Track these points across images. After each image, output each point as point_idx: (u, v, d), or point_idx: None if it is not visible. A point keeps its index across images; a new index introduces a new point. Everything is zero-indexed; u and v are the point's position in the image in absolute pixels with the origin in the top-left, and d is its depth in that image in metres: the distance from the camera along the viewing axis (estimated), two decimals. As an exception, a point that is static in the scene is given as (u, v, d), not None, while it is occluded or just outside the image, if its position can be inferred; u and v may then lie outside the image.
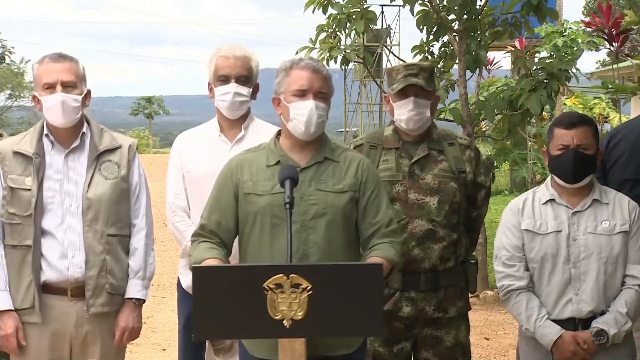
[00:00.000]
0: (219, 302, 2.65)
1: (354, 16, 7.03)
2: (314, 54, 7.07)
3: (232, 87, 3.70)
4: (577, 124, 3.35)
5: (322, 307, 2.64)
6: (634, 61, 8.09)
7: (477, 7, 7.04)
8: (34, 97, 3.46)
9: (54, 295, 3.36)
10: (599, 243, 3.34)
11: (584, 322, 3.35)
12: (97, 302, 3.37)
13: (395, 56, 9.27)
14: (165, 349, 6.65)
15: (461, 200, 3.65)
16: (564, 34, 13.12)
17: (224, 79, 3.72)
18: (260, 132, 3.74)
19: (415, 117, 3.58)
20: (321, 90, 3.06)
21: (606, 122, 19.05)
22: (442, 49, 7.47)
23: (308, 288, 2.63)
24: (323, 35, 7.21)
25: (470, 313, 3.79)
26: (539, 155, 12.84)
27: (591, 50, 13.44)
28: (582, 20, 10.23)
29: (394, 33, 26.12)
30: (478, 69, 7.53)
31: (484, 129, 9.16)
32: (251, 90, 3.76)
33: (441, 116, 7.55)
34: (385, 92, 3.81)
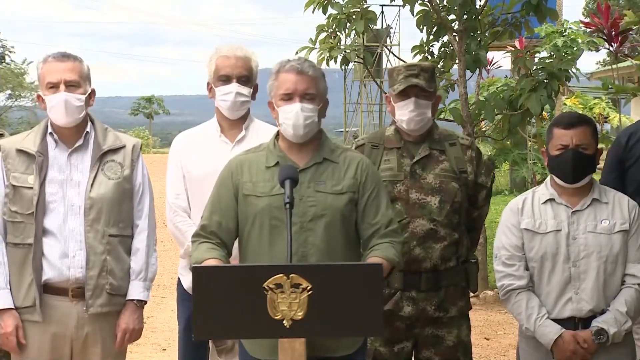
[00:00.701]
0: (219, 302, 2.65)
1: (354, 16, 7.02)
2: (314, 54, 7.07)
3: (234, 87, 3.70)
4: (577, 124, 3.36)
5: (322, 307, 2.64)
6: (634, 61, 8.09)
7: (477, 7, 7.04)
8: (39, 96, 3.46)
9: (55, 296, 3.37)
10: (599, 242, 3.34)
11: (584, 321, 3.35)
12: (97, 302, 3.38)
13: (395, 56, 9.28)
14: (165, 349, 6.65)
15: (462, 200, 3.65)
16: (564, 34, 13.11)
17: (225, 79, 3.71)
18: (260, 132, 3.74)
19: (416, 117, 3.59)
20: (307, 91, 3.06)
21: (606, 122, 19.07)
22: (442, 49, 7.47)
23: (308, 288, 2.63)
24: (323, 35, 7.21)
25: (470, 313, 3.79)
26: (539, 155, 12.83)
27: (591, 50, 13.44)
28: (581, 21, 10.23)
29: (394, 33, 26.13)
30: (478, 69, 7.53)
31: (484, 129, 9.15)
32: (251, 90, 3.77)
33: (441, 116, 7.54)
34: (386, 93, 3.82)
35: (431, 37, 7.21)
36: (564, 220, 3.38)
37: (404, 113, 3.59)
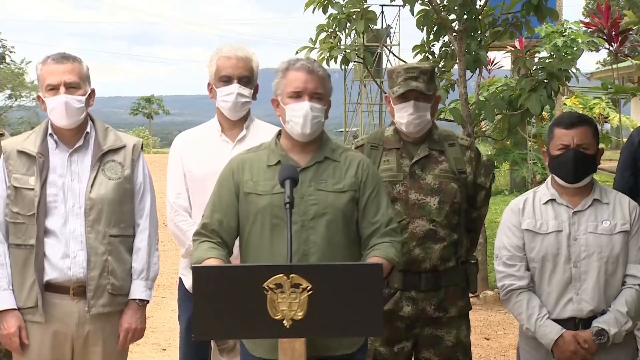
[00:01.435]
0: (219, 302, 2.65)
1: (354, 16, 7.02)
2: (314, 54, 7.07)
3: (235, 87, 3.70)
4: (577, 123, 3.36)
5: (322, 307, 2.64)
6: (634, 61, 8.09)
7: (477, 7, 7.04)
8: (39, 97, 3.46)
9: (57, 294, 3.37)
10: (600, 243, 3.34)
11: (585, 322, 3.35)
12: (99, 302, 3.38)
13: (395, 56, 9.27)
14: (165, 349, 6.65)
15: (462, 200, 3.65)
16: (564, 34, 13.11)
17: (226, 80, 3.71)
18: (261, 132, 3.74)
19: (415, 120, 3.59)
20: (316, 91, 3.06)
21: (606, 122, 19.08)
22: (443, 48, 7.47)
23: (308, 288, 2.63)
24: (323, 35, 7.21)
25: (470, 313, 3.79)
26: (539, 155, 12.84)
27: (591, 50, 13.44)
28: (581, 21, 10.23)
29: (394, 33, 26.13)
30: (478, 69, 7.52)
31: (484, 129, 9.15)
32: (252, 91, 3.77)
33: (441, 116, 7.54)
34: (386, 93, 3.81)
35: (431, 37, 7.21)
36: (564, 221, 3.38)
37: (403, 116, 3.59)
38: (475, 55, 6.97)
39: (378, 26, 18.91)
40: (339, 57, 7.11)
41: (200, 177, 3.70)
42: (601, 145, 3.52)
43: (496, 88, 8.57)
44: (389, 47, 20.25)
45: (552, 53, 11.81)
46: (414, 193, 3.60)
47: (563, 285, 3.36)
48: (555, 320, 3.36)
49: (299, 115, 3.03)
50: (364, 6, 7.07)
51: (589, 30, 6.98)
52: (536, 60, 7.97)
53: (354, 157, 3.17)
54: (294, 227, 2.85)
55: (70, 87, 3.37)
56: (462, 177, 3.65)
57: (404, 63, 4.37)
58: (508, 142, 11.78)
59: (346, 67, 7.71)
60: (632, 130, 4.34)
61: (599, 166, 3.44)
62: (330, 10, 7.09)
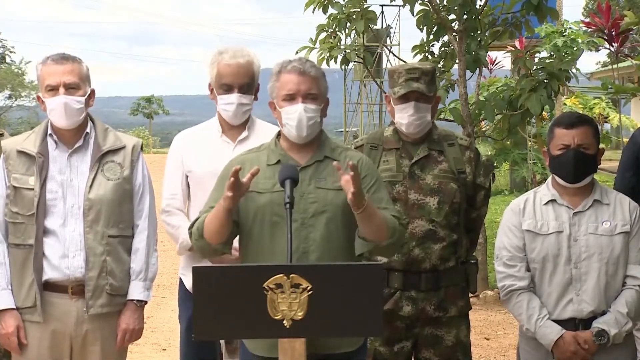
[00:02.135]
0: (219, 302, 2.64)
1: (354, 16, 7.02)
2: (314, 54, 7.07)
3: (235, 97, 3.68)
4: (578, 123, 3.36)
5: (322, 307, 2.64)
6: (634, 61, 8.09)
7: (477, 7, 7.04)
8: (38, 97, 3.46)
9: (55, 293, 3.37)
10: (600, 243, 3.34)
11: (585, 323, 3.35)
12: (97, 303, 3.38)
13: (395, 56, 9.27)
14: (165, 349, 6.65)
15: (461, 200, 3.65)
16: (564, 34, 13.12)
17: (227, 89, 3.69)
18: (262, 132, 3.73)
19: (416, 121, 3.58)
20: (310, 91, 3.06)
21: (606, 122, 19.08)
22: (443, 48, 7.47)
23: (308, 288, 2.63)
24: (323, 35, 7.21)
25: (470, 313, 3.79)
26: (539, 155, 12.84)
27: (591, 50, 13.44)
28: (582, 21, 10.23)
29: (394, 33, 26.11)
30: (478, 69, 7.52)
31: (484, 129, 9.15)
32: (253, 96, 3.75)
33: (441, 116, 7.54)
34: (386, 92, 3.81)
35: (431, 37, 7.21)
36: (565, 222, 3.38)
37: (404, 117, 3.59)
38: (475, 55, 6.97)
39: (378, 26, 18.91)
40: (339, 57, 7.12)
41: (201, 178, 3.70)
42: (601, 145, 3.52)
43: (496, 88, 8.58)
44: (389, 47, 20.24)
45: (552, 53, 11.81)
46: (413, 193, 3.60)
47: (563, 286, 3.36)
48: (556, 321, 3.35)
49: (293, 118, 3.03)
50: (364, 6, 7.07)
51: (589, 30, 6.98)
52: (536, 60, 7.97)
53: (353, 156, 3.16)
54: (294, 225, 2.85)
55: (70, 88, 3.37)
56: (462, 177, 3.65)
57: (404, 63, 4.36)
58: (508, 142, 11.77)
59: (346, 67, 7.71)
60: (632, 130, 4.34)
61: (599, 166, 3.44)
62: (330, 10, 7.10)
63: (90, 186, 3.40)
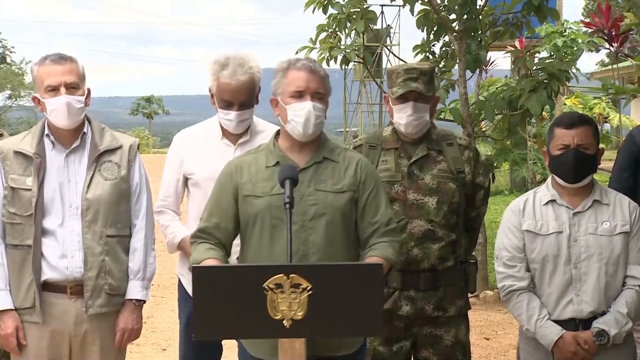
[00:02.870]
0: (219, 302, 2.64)
1: (354, 16, 7.02)
2: (314, 54, 7.07)
3: (235, 115, 3.67)
4: (578, 123, 3.35)
5: (322, 307, 2.64)
6: (634, 61, 8.10)
7: (478, 7, 7.04)
8: (35, 98, 3.45)
9: (54, 293, 3.37)
10: (600, 244, 3.34)
11: (585, 323, 3.35)
12: (96, 303, 3.38)
13: (395, 56, 9.27)
14: (165, 349, 6.64)
15: (460, 200, 3.65)
16: (564, 34, 13.12)
17: (227, 104, 3.68)
18: (263, 134, 3.74)
19: (415, 121, 3.58)
20: (318, 90, 3.06)
21: (606, 122, 19.07)
22: (443, 48, 7.47)
23: (308, 288, 2.63)
24: (323, 35, 7.21)
25: (470, 313, 3.79)
26: (539, 155, 12.84)
27: (591, 50, 13.45)
28: (582, 21, 10.24)
29: (394, 33, 26.12)
30: (478, 69, 7.52)
31: (484, 129, 9.15)
32: (253, 108, 3.74)
33: (441, 116, 7.54)
34: (385, 93, 3.81)
35: (431, 37, 7.21)
36: (565, 222, 3.38)
37: (402, 117, 3.59)
38: (475, 55, 6.97)
39: (378, 26, 18.90)
40: (339, 57, 7.11)
41: (201, 181, 3.71)
42: (601, 145, 3.51)
43: (496, 88, 8.57)
44: (389, 47, 20.26)
45: (552, 53, 11.82)
46: (412, 193, 3.60)
47: (563, 286, 3.36)
48: (556, 321, 3.35)
49: (301, 115, 3.02)
50: (364, 6, 7.07)
51: (589, 30, 6.98)
52: (536, 60, 7.96)
53: (352, 157, 3.16)
54: (294, 228, 2.84)
55: (71, 88, 3.36)
56: (461, 176, 3.65)
57: (404, 63, 4.36)
58: (508, 142, 11.77)
59: (346, 67, 7.70)
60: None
61: (599, 166, 3.44)
62: (330, 10, 7.09)
63: (88, 186, 3.39)
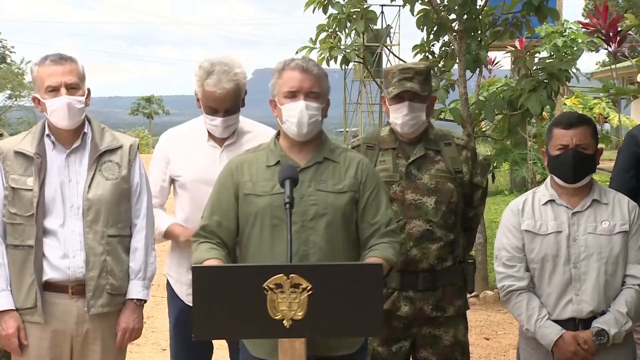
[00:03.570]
0: (219, 302, 2.64)
1: (354, 16, 7.03)
2: (314, 54, 7.07)
3: (221, 121, 3.65)
4: (576, 123, 3.36)
5: (322, 307, 2.64)
6: (634, 61, 8.10)
7: (478, 7, 7.04)
8: (35, 98, 3.45)
9: (55, 293, 3.37)
10: (599, 243, 3.34)
11: (585, 322, 3.35)
12: (98, 302, 3.38)
13: (396, 56, 9.27)
14: (165, 349, 6.64)
15: (458, 200, 3.65)
16: (564, 34, 13.12)
17: (212, 111, 3.66)
18: (247, 133, 3.74)
19: (410, 121, 3.59)
20: (312, 89, 3.06)
21: (606, 122, 19.06)
22: (443, 48, 7.48)
23: (308, 288, 2.63)
24: (323, 35, 7.21)
25: (470, 313, 3.79)
26: (539, 155, 12.84)
27: (591, 50, 13.45)
28: (580, 22, 10.24)
29: (394, 33, 26.12)
30: (478, 69, 7.52)
31: (484, 129, 9.15)
32: (239, 113, 3.72)
33: (441, 116, 7.55)
34: (383, 93, 3.82)
35: (431, 37, 7.21)
36: (564, 222, 3.38)
37: (398, 117, 3.59)
38: (475, 55, 6.97)
39: (378, 26, 18.89)
40: (339, 57, 7.11)
41: (187, 183, 3.71)
42: (600, 145, 3.52)
43: (496, 88, 8.58)
44: (389, 47, 20.25)
45: (552, 53, 11.82)
46: (410, 193, 3.60)
47: (563, 286, 3.36)
48: (555, 321, 3.36)
49: (294, 115, 3.03)
50: (364, 6, 7.08)
51: (588, 30, 6.98)
52: (536, 60, 7.96)
53: (353, 157, 3.16)
54: (294, 228, 2.85)
55: (71, 88, 3.37)
56: (459, 176, 3.65)
57: (403, 63, 4.37)
58: (508, 142, 11.78)
59: (346, 67, 7.71)
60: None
61: (598, 166, 3.44)
62: (330, 10, 7.10)
63: (89, 186, 3.40)
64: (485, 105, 7.13)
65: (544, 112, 9.61)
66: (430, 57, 7.46)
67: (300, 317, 2.64)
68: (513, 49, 9.21)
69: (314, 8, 7.11)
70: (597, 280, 3.33)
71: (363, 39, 10.19)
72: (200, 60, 3.74)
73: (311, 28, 7.60)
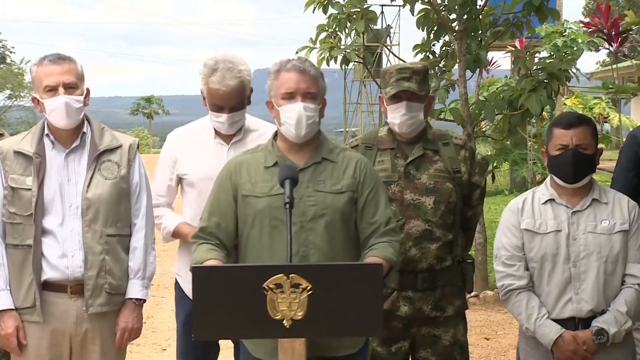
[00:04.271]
0: (219, 302, 2.64)
1: (354, 16, 7.03)
2: (314, 54, 7.08)
3: (226, 118, 3.67)
4: (576, 123, 3.36)
5: (322, 307, 2.64)
6: (634, 61, 8.10)
7: (478, 7, 7.04)
8: (34, 98, 3.45)
9: (54, 293, 3.37)
10: (599, 242, 3.34)
11: (584, 322, 3.35)
12: (96, 302, 3.38)
13: (396, 56, 9.27)
14: (165, 349, 6.65)
15: (457, 200, 3.65)
16: (564, 34, 13.12)
17: (217, 108, 3.67)
18: (256, 133, 3.75)
19: (408, 121, 3.58)
20: (309, 90, 3.05)
21: (606, 122, 19.08)
22: (443, 48, 7.48)
23: (308, 288, 2.63)
24: (323, 35, 7.22)
25: (470, 313, 3.80)
26: (539, 155, 12.85)
27: (591, 50, 13.45)
28: (581, 21, 10.25)
29: (394, 33, 26.09)
30: (478, 69, 7.53)
31: (484, 129, 9.16)
32: (245, 110, 3.73)
33: (441, 116, 7.55)
34: (381, 93, 3.82)
35: (431, 37, 7.22)
36: (564, 221, 3.38)
37: (396, 117, 3.59)
38: (475, 55, 6.98)
39: (378, 26, 18.91)
40: (339, 57, 7.12)
41: (195, 181, 3.72)
42: (600, 145, 3.52)
43: (496, 88, 8.58)
44: (389, 47, 20.24)
45: (552, 53, 11.82)
46: (409, 193, 3.60)
47: (562, 285, 3.36)
48: (555, 320, 3.36)
49: (292, 117, 3.02)
50: (364, 6, 7.08)
51: (589, 30, 6.99)
52: (536, 60, 7.97)
53: (351, 157, 3.16)
54: (293, 228, 2.84)
55: (69, 88, 3.37)
56: (457, 176, 3.65)
57: (400, 63, 4.37)
58: (508, 142, 11.79)
59: (346, 67, 7.71)
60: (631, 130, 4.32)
61: (598, 166, 3.44)
62: (330, 10, 7.11)
63: (88, 185, 3.40)
64: (485, 105, 7.14)
65: (544, 112, 9.61)
66: (430, 56, 7.47)
67: (300, 317, 2.63)
68: (513, 49, 9.21)
69: (314, 8, 7.11)
70: (597, 280, 3.33)
71: (363, 39, 10.21)
72: (204, 58, 3.75)
73: (311, 28, 7.61)
